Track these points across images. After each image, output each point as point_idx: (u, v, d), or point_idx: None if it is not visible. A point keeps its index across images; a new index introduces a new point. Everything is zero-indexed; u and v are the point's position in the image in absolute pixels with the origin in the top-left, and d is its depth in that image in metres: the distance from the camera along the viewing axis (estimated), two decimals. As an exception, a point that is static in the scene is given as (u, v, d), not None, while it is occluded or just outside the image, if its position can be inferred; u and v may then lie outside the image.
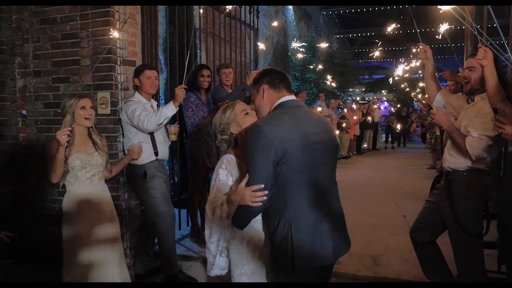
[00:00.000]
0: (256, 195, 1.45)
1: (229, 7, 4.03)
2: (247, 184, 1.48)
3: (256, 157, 1.46)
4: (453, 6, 2.00)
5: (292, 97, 1.65)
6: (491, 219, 2.31)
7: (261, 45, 4.73)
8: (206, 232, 1.77)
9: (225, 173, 1.72)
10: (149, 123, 2.76)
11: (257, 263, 1.71)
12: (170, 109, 2.79)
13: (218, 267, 1.82)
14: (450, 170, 2.27)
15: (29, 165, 3.32)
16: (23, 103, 3.37)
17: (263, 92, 1.65)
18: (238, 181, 1.71)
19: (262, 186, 1.45)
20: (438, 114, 2.28)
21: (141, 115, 2.77)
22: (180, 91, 2.80)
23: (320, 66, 9.43)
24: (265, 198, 1.46)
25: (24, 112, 3.37)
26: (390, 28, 3.59)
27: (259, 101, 1.68)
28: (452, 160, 2.25)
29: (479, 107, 2.21)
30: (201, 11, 4.35)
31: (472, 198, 2.17)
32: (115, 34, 2.92)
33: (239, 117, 1.73)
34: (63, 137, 2.18)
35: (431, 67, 2.50)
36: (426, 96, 2.99)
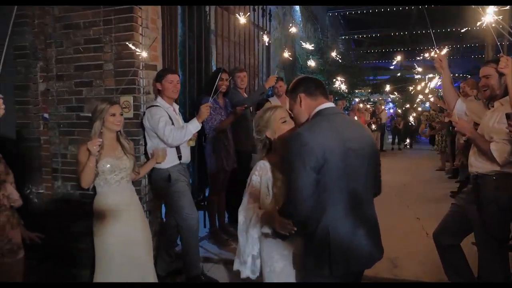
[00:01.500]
0: (285, 225, 1.52)
1: (242, 13, 4.08)
2: (288, 191, 1.52)
3: (297, 165, 1.48)
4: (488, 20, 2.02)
5: (330, 104, 1.68)
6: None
7: (287, 54, 4.77)
8: (241, 239, 1.80)
9: (258, 180, 1.76)
10: (174, 140, 2.83)
11: (286, 260, 1.75)
12: (195, 126, 2.87)
13: (250, 270, 1.86)
14: (478, 174, 2.30)
15: (53, 168, 3.37)
16: (45, 106, 3.42)
17: (300, 101, 1.68)
18: (271, 187, 1.74)
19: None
20: (460, 122, 2.32)
21: (166, 129, 2.82)
22: (205, 109, 2.88)
23: (327, 68, 9.46)
24: (308, 204, 1.50)
25: (46, 115, 3.43)
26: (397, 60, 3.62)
27: (297, 110, 1.71)
28: (480, 165, 2.28)
29: (500, 112, 2.24)
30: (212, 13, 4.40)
31: (501, 202, 2.20)
32: (138, 38, 2.97)
33: (276, 124, 1.77)
34: (94, 147, 2.24)
35: (448, 76, 2.55)
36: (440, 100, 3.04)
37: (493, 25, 1.90)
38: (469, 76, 13.11)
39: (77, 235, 3.20)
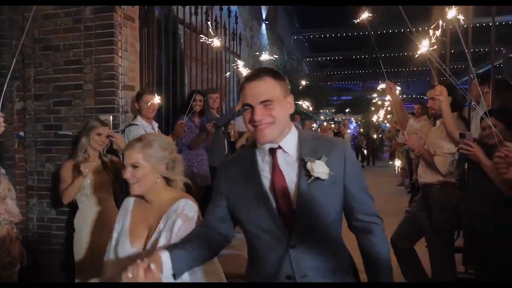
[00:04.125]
0: None
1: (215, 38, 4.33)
2: None
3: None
4: (423, 51, 2.37)
5: None
6: (460, 228, 2.69)
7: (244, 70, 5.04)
8: None
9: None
10: None
11: None
12: None
13: None
14: (426, 184, 2.64)
15: (28, 185, 3.41)
16: (20, 124, 3.47)
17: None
18: None
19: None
20: (410, 140, 2.69)
21: None
22: (179, 126, 3.06)
23: (293, 88, 9.90)
24: None
25: (21, 133, 3.48)
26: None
27: None
28: (427, 176, 2.62)
29: (441, 130, 2.61)
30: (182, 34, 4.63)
31: (445, 207, 2.54)
32: (118, 61, 3.14)
33: None
34: (87, 170, 2.38)
35: (398, 101, 2.94)
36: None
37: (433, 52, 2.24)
38: (424, 97, 14.08)
39: (55, 251, 3.24)
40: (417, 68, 17.55)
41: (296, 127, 1.36)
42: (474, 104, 2.81)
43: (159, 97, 3.20)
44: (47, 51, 3.34)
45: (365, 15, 2.34)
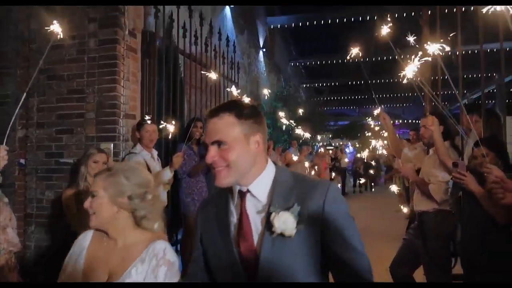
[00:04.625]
0: None
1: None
2: None
3: None
4: (411, 75, 2.46)
5: None
6: (457, 255, 2.71)
7: (247, 99, 5.14)
8: None
9: None
10: None
11: None
12: (166, 174, 3.10)
13: None
14: (421, 212, 2.68)
15: (27, 213, 3.42)
16: (21, 152, 3.53)
17: None
18: None
19: None
20: (404, 168, 2.75)
21: None
22: (176, 159, 3.12)
23: (290, 115, 10.05)
24: None
25: (22, 161, 3.52)
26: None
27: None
28: (422, 204, 2.67)
29: (434, 159, 2.68)
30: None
31: (441, 235, 2.57)
32: (119, 90, 3.23)
33: None
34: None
35: (391, 130, 3.03)
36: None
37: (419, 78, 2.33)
38: (421, 119, 14.24)
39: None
40: (412, 93, 17.88)
41: (275, 164, 1.20)
42: (464, 132, 2.88)
43: (162, 125, 3.26)
44: (51, 80, 3.43)
45: (355, 50, 2.44)
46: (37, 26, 3.50)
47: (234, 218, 1.14)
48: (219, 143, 1.08)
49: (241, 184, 1.12)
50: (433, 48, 1.90)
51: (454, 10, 2.94)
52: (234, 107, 1.12)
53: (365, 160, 14.39)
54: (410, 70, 2.12)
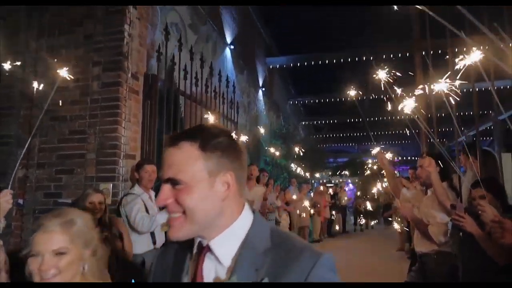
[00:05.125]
0: None
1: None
2: None
3: None
4: (410, 112, 2.51)
5: None
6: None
7: (244, 137, 5.22)
8: None
9: None
10: (142, 227, 3.03)
11: None
12: (163, 217, 3.10)
13: None
14: (422, 253, 2.65)
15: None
16: (20, 192, 3.53)
17: None
18: None
19: None
20: (403, 209, 2.74)
21: (137, 216, 3.03)
22: None
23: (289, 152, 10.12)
24: None
25: (20, 201, 3.51)
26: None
27: None
28: (422, 245, 2.64)
29: (433, 199, 2.68)
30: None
31: (442, 277, 2.52)
32: (121, 131, 3.29)
33: None
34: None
35: (389, 171, 3.05)
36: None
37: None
38: (418, 159, 14.31)
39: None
40: (410, 130, 18.00)
41: (254, 214, 0.89)
42: (462, 170, 2.91)
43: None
44: (54, 121, 3.50)
45: (352, 92, 2.52)
46: (42, 69, 3.62)
47: (187, 278, 0.86)
48: (173, 181, 0.81)
49: (203, 236, 0.84)
50: (441, 86, 1.95)
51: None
52: (198, 134, 0.84)
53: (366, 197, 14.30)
54: (408, 105, 2.17)
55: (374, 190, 14.13)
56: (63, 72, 1.91)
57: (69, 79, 1.90)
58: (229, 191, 0.84)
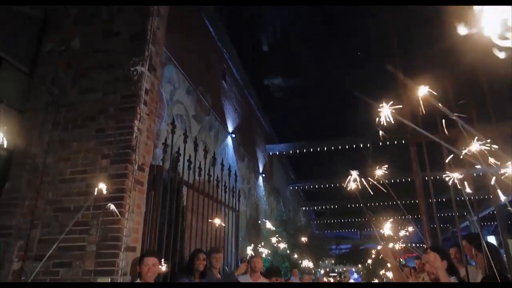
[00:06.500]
0: None
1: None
2: None
3: None
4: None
5: None
6: None
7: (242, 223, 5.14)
8: None
9: None
10: None
11: None
12: None
13: None
14: None
15: None
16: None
17: None
18: None
19: None
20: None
21: None
22: None
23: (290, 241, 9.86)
24: None
25: (12, 296, 3.36)
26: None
27: None
28: None
29: None
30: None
31: None
32: (123, 223, 3.29)
33: None
34: None
35: (394, 265, 3.02)
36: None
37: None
38: (424, 246, 13.90)
39: None
40: (413, 216, 17.81)
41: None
42: (470, 260, 2.86)
43: (161, 261, 3.23)
44: (57, 212, 3.52)
45: (353, 185, 2.60)
46: (51, 161, 3.75)
47: None
48: None
49: None
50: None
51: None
52: None
53: None
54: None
55: (380, 279, 13.47)
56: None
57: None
58: None
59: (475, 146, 1.82)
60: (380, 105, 1.90)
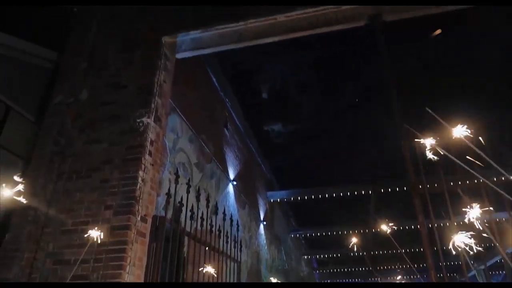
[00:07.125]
0: None
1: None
2: None
3: None
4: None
5: None
6: None
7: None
8: None
9: None
10: None
11: None
12: None
13: None
14: None
15: None
16: None
17: None
18: None
19: None
20: None
21: None
22: None
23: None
24: None
25: None
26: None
27: None
28: None
29: None
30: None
31: None
32: (124, 276, 3.21)
33: None
34: None
35: None
36: None
37: None
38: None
39: None
40: (418, 264, 17.30)
41: None
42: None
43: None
44: (56, 265, 3.44)
45: (354, 239, 2.57)
46: (54, 211, 3.73)
47: None
48: None
49: None
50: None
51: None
52: None
53: None
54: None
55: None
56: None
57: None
58: None
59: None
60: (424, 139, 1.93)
